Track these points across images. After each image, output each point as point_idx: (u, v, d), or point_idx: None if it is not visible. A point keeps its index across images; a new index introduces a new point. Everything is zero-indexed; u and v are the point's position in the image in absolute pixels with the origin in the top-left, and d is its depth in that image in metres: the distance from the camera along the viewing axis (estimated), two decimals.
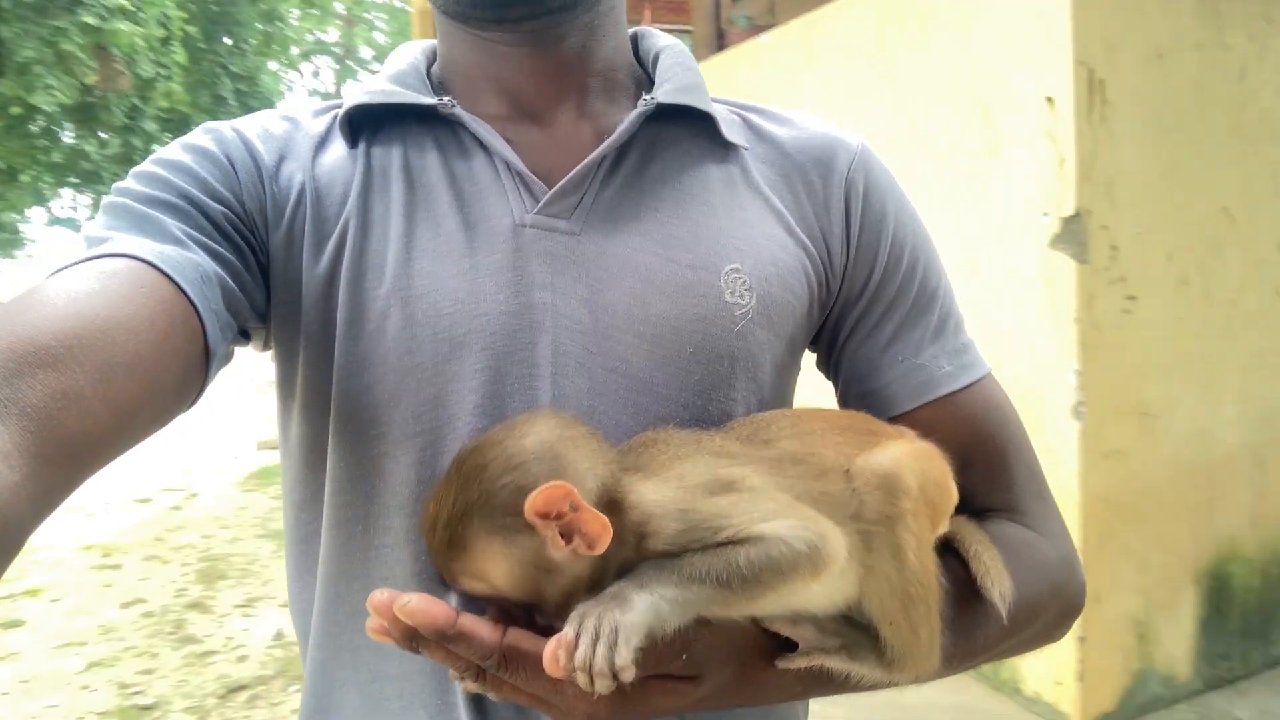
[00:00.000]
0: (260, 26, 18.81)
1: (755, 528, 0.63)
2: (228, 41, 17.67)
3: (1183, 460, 3.35)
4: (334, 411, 0.78)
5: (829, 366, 0.91)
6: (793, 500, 0.66)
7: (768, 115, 0.91)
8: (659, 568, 0.63)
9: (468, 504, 0.63)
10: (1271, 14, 3.40)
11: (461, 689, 0.75)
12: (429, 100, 0.81)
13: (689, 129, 0.85)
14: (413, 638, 0.62)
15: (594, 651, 0.58)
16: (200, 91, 17.07)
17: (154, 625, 4.74)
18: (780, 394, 0.86)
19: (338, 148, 0.83)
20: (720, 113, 0.85)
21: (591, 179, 0.80)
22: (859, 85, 3.98)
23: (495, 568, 0.63)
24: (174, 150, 0.79)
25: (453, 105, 0.81)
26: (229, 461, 8.60)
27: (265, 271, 0.80)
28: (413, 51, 0.90)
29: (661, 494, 0.65)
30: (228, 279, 0.73)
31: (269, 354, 0.87)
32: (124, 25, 12.29)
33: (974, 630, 0.75)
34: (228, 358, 0.77)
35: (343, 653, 0.81)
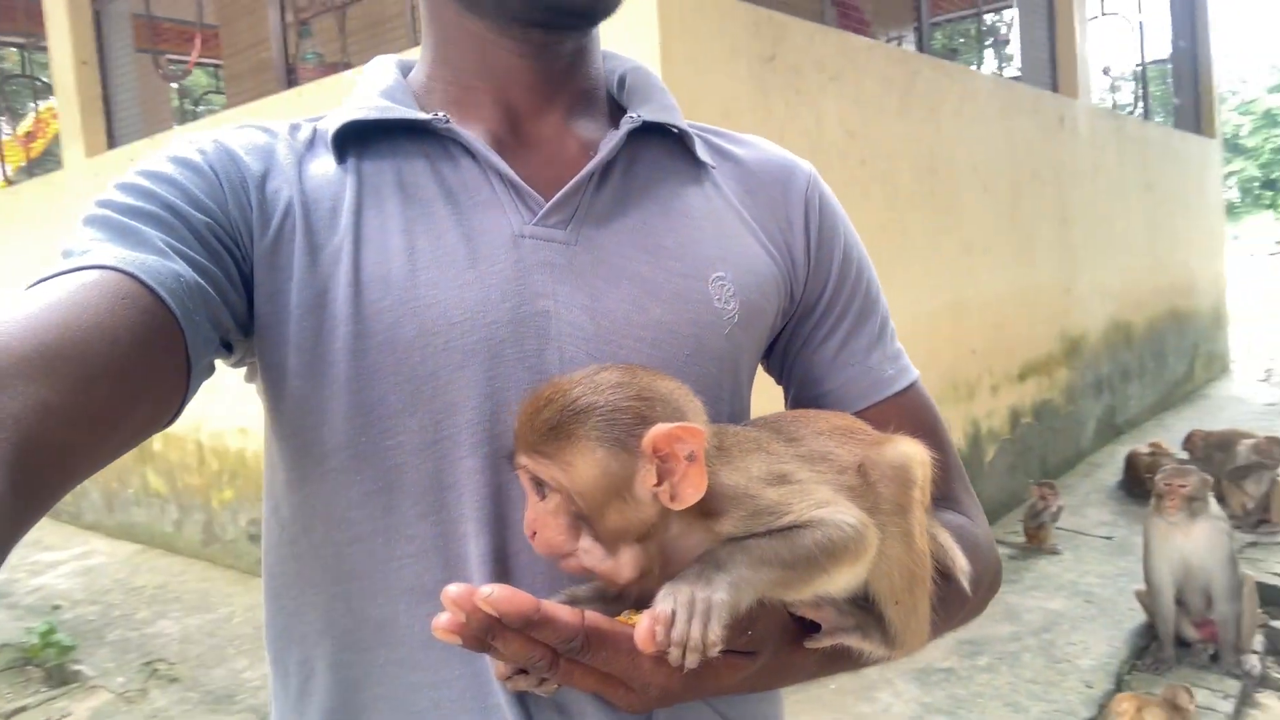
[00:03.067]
0: None
1: (813, 513, 0.68)
2: None
3: None
4: (344, 426, 0.77)
5: (781, 371, 0.97)
6: (833, 492, 0.72)
7: (725, 137, 0.98)
8: (730, 551, 0.66)
9: (591, 405, 0.65)
10: (799, 85, 4.10)
11: (508, 688, 0.73)
12: (424, 115, 0.82)
13: (664, 146, 0.90)
14: (489, 631, 0.60)
15: (689, 627, 0.62)
16: None
17: None
18: (749, 396, 0.92)
19: (324, 162, 0.83)
20: (692, 133, 0.91)
21: (583, 192, 0.83)
22: None
23: (583, 469, 0.65)
24: (158, 161, 0.78)
25: (447, 121, 0.81)
26: None
27: (249, 283, 0.78)
28: (390, 67, 0.90)
29: (735, 480, 0.69)
30: (210, 290, 0.72)
31: (243, 370, 0.86)
32: None
33: (944, 605, 0.81)
34: (209, 370, 0.76)
35: (372, 669, 0.79)
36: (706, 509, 0.67)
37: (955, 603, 0.84)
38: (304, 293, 0.77)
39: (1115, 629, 4.02)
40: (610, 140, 0.84)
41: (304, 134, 0.86)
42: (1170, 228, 8.66)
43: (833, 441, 0.77)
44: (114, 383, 0.61)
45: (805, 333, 0.94)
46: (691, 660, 0.62)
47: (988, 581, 0.93)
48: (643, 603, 0.69)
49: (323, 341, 0.77)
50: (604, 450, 0.65)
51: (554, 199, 0.81)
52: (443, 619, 0.61)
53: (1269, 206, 44.35)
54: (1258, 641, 3.79)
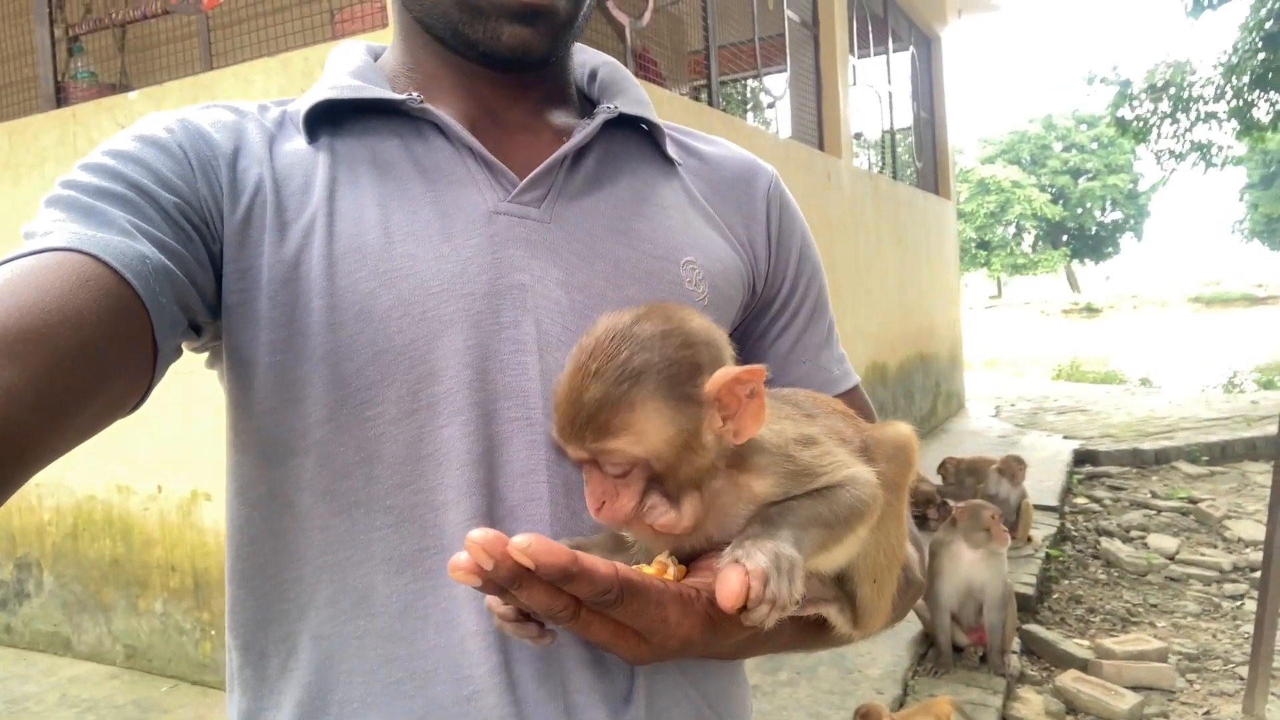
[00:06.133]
0: None
1: (843, 473, 0.70)
2: None
3: None
4: (324, 399, 0.77)
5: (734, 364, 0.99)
6: (850, 455, 0.73)
7: (692, 135, 1.01)
8: (780, 513, 0.67)
9: (647, 364, 0.64)
10: None
11: (509, 633, 0.71)
12: (398, 95, 0.83)
13: (634, 141, 0.93)
14: (516, 580, 0.58)
15: (780, 584, 0.61)
16: None
17: None
18: None
19: (295, 142, 0.83)
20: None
21: (556, 173, 0.85)
22: None
23: (656, 430, 0.64)
24: (124, 140, 0.77)
25: (421, 101, 0.83)
26: None
27: (218, 262, 0.78)
28: (359, 51, 0.90)
29: (772, 439, 0.70)
30: (177, 272, 0.71)
31: (205, 354, 0.85)
32: None
33: (902, 591, 0.83)
34: (176, 353, 0.75)
35: (349, 641, 0.78)
36: (745, 465, 0.68)
37: (909, 590, 0.87)
38: (276, 268, 0.77)
39: (896, 639, 4.36)
40: (586, 126, 0.86)
41: (273, 115, 0.86)
42: (916, 279, 9.57)
43: (837, 418, 0.78)
44: (79, 367, 0.60)
45: (761, 327, 0.98)
46: (774, 618, 0.61)
47: (920, 571, 0.94)
48: (649, 558, 0.71)
49: (297, 315, 0.77)
50: (669, 408, 0.64)
51: (529, 177, 0.83)
52: (462, 559, 0.57)
53: (984, 265, 49.69)
54: (1015, 644, 4.25)
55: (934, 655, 4.14)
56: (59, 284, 0.61)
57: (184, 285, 0.72)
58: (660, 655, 0.68)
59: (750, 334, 0.98)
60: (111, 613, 4.51)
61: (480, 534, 0.57)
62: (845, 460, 0.71)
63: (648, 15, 4.73)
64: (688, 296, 0.86)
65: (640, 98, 0.93)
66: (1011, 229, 49.35)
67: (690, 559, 0.72)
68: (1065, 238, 50.35)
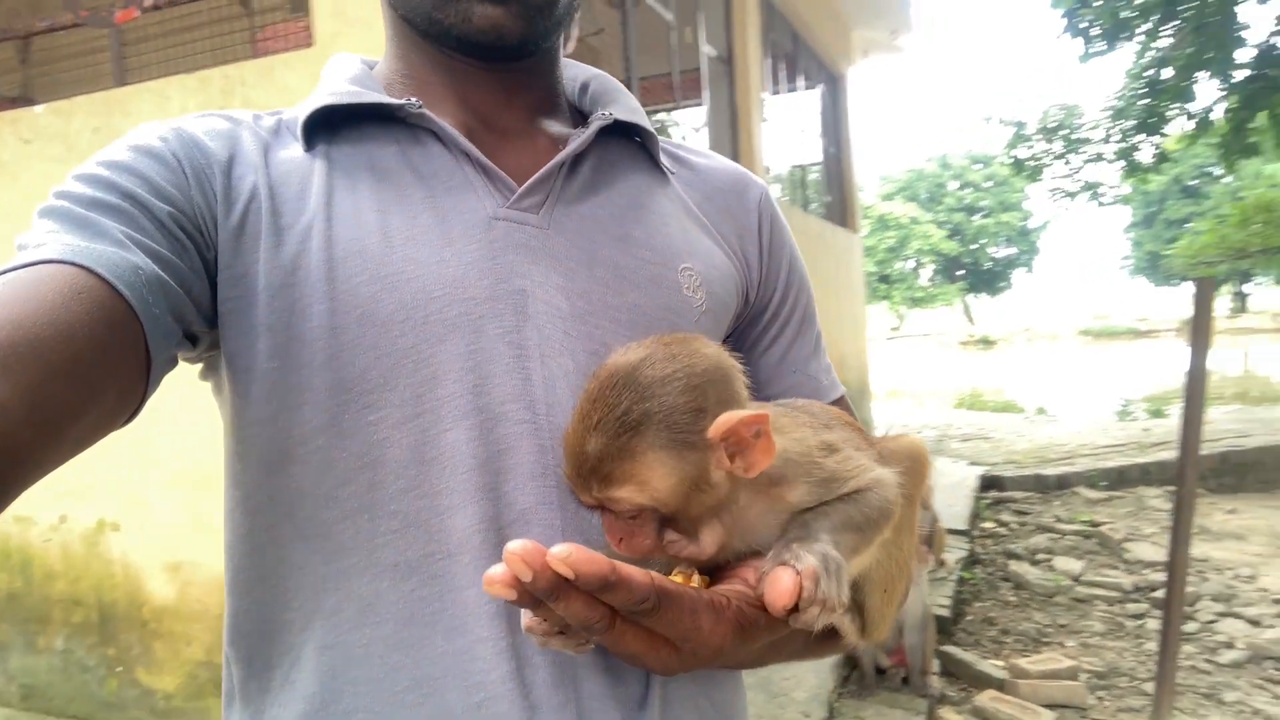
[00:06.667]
0: None
1: (869, 476, 0.70)
2: None
3: None
4: (326, 403, 0.76)
5: None
6: (868, 459, 0.73)
7: (682, 148, 1.02)
8: (815, 518, 0.67)
9: (646, 414, 0.64)
10: None
11: (548, 645, 0.69)
12: (397, 101, 0.83)
13: (628, 151, 0.93)
14: (554, 592, 0.56)
15: (831, 585, 0.62)
16: None
17: None
18: None
19: (291, 149, 0.83)
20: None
21: (554, 180, 0.85)
22: None
23: (659, 479, 0.64)
24: (118, 150, 0.76)
25: (420, 107, 0.82)
26: None
27: (214, 271, 0.77)
28: (355, 61, 0.90)
29: (795, 449, 0.70)
30: (171, 282, 0.71)
31: (201, 364, 0.84)
32: None
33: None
34: (171, 363, 0.74)
35: (354, 651, 0.76)
36: (773, 477, 0.68)
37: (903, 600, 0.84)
38: (273, 273, 0.77)
39: (819, 662, 4.40)
40: (582, 133, 0.87)
41: (267, 123, 0.86)
42: (825, 309, 9.68)
43: (848, 430, 0.78)
44: (70, 380, 0.60)
45: (753, 336, 0.99)
46: (824, 620, 0.62)
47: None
48: (668, 567, 0.70)
49: (296, 320, 0.76)
50: (673, 455, 0.64)
51: (527, 183, 0.83)
52: (497, 572, 0.56)
53: (885, 298, 51.06)
54: (935, 665, 4.33)
55: (857, 678, 4.19)
56: (51, 297, 0.61)
57: (178, 295, 0.71)
58: (690, 665, 0.66)
59: (741, 343, 0.99)
60: (7, 651, 4.26)
61: (519, 545, 0.55)
62: (868, 464, 0.72)
63: (572, 44, 4.75)
64: (686, 302, 0.87)
65: (633, 106, 0.94)
66: (910, 263, 50.94)
67: (711, 568, 0.72)
68: (961, 272, 52.17)
